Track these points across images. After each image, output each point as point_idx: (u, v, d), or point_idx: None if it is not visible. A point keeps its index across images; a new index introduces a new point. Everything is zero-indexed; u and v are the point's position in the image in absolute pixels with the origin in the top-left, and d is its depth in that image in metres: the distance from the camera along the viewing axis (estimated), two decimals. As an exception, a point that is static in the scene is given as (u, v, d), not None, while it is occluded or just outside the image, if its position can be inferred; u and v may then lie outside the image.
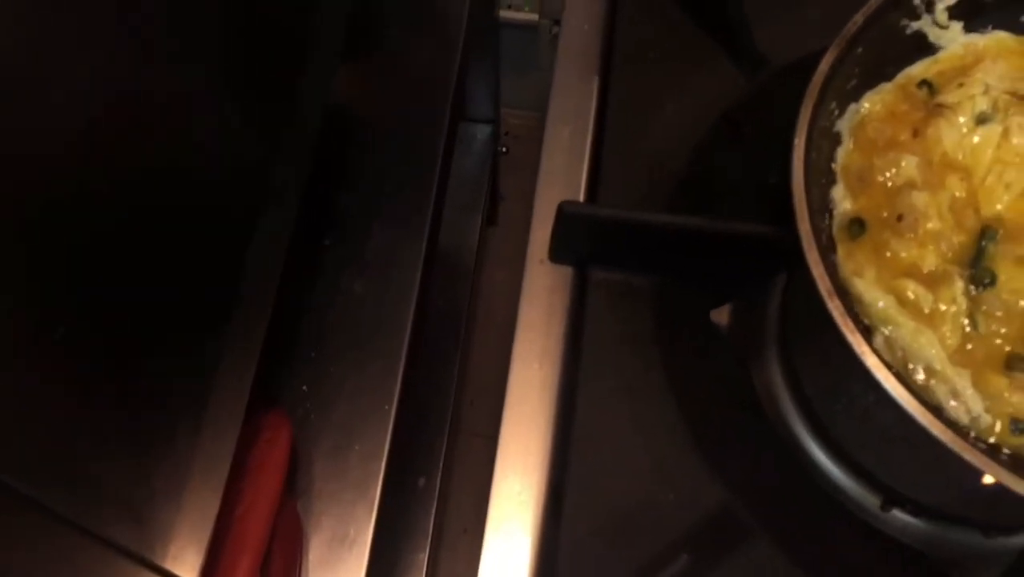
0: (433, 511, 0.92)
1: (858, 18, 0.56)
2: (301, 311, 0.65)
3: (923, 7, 0.57)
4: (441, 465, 0.94)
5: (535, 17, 1.14)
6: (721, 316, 0.63)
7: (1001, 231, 0.53)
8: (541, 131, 0.68)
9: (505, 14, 1.03)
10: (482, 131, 1.06)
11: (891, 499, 0.58)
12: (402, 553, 0.89)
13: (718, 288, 0.63)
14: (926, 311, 0.51)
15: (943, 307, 0.51)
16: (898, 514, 0.58)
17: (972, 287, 0.52)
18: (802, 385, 0.61)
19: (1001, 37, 0.59)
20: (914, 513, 0.58)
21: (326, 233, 0.68)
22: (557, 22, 1.15)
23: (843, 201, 0.55)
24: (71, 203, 0.37)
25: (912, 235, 0.53)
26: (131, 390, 0.43)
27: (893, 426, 0.53)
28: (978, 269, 0.52)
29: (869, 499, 0.59)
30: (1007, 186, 0.54)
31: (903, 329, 0.51)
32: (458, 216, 0.99)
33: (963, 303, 0.52)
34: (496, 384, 1.22)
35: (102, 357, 0.40)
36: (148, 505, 0.44)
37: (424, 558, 0.89)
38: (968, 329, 0.51)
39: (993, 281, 0.52)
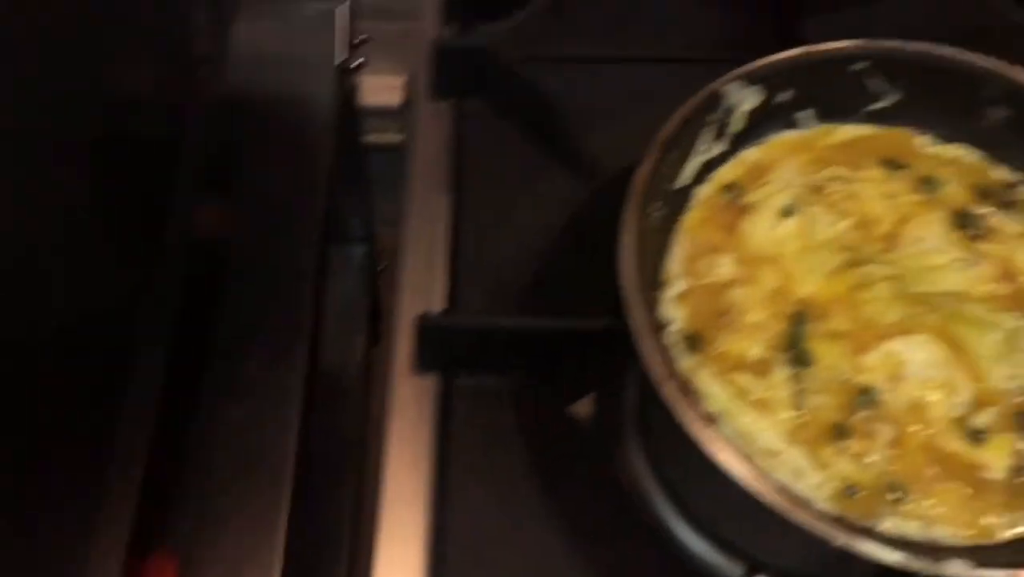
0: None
1: (671, 123, 0.61)
2: (181, 445, 0.65)
3: (723, 116, 0.63)
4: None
5: (400, 138, 1.17)
6: (582, 408, 0.67)
7: (812, 313, 0.59)
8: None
9: (371, 138, 1.07)
10: (358, 251, 1.06)
11: (754, 567, 0.62)
12: None
13: (578, 382, 0.67)
14: (757, 398, 0.57)
15: (771, 393, 0.56)
16: (762, 580, 0.62)
17: (793, 369, 0.57)
18: (665, 468, 0.65)
19: (784, 138, 0.66)
20: (776, 577, 0.62)
21: (203, 364, 0.68)
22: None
23: (676, 313, 0.59)
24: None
25: (735, 329, 0.58)
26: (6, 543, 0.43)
27: (745, 503, 0.58)
28: (796, 352, 0.58)
29: (732, 569, 0.62)
30: (812, 270, 0.60)
31: (743, 418, 0.56)
32: (341, 338, 0.99)
33: (788, 386, 0.57)
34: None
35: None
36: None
37: None
38: (797, 409, 0.56)
39: (810, 361, 0.57)
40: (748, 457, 0.53)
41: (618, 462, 0.66)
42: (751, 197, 0.63)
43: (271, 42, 0.81)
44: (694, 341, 0.58)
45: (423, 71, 0.78)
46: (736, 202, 0.63)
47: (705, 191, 0.63)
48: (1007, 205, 0.65)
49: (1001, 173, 0.66)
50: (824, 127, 0.68)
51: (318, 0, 0.82)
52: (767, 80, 0.63)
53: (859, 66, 0.65)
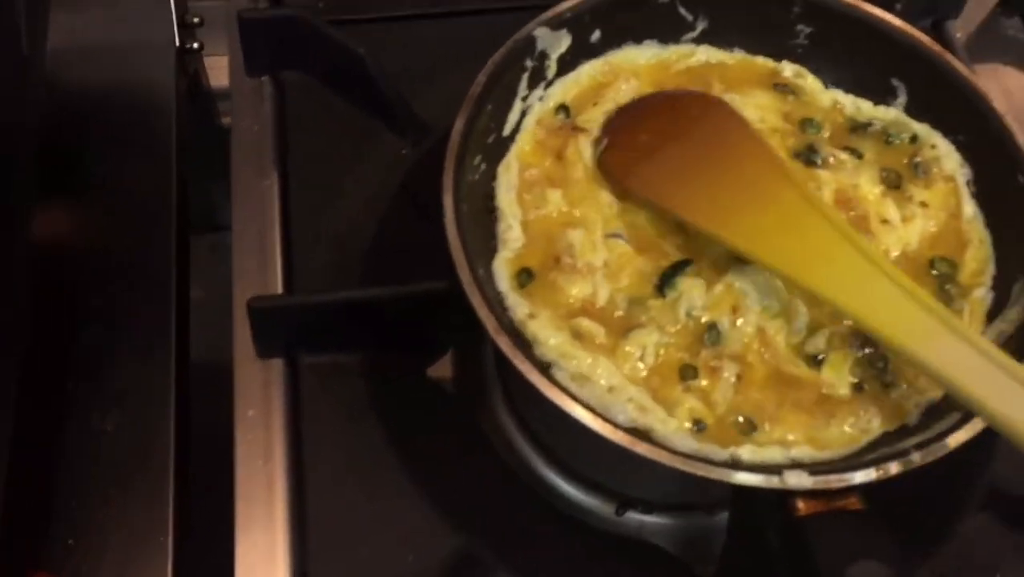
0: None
1: (480, 79, 0.60)
2: (52, 463, 0.63)
3: (537, 62, 0.63)
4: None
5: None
6: (441, 370, 0.66)
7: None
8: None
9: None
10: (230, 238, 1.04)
11: (624, 503, 0.63)
12: None
13: (432, 345, 0.66)
14: (599, 342, 0.56)
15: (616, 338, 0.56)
16: (633, 515, 0.63)
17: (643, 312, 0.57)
18: (526, 418, 0.65)
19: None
20: (646, 511, 0.63)
21: (67, 376, 0.65)
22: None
23: (506, 252, 0.58)
24: None
25: (574, 271, 0.58)
26: None
27: (601, 444, 0.58)
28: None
29: (604, 508, 0.63)
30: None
31: (579, 361, 0.55)
32: (219, 331, 0.97)
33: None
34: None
35: None
36: None
37: None
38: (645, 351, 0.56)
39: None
40: (590, 398, 0.53)
41: (483, 417, 0.66)
42: (583, 118, 0.62)
43: (101, 31, 0.78)
44: (530, 285, 0.57)
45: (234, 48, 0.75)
46: (567, 125, 0.62)
47: (539, 110, 0.62)
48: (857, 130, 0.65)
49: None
50: (675, 50, 0.67)
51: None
52: (570, 24, 0.62)
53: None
